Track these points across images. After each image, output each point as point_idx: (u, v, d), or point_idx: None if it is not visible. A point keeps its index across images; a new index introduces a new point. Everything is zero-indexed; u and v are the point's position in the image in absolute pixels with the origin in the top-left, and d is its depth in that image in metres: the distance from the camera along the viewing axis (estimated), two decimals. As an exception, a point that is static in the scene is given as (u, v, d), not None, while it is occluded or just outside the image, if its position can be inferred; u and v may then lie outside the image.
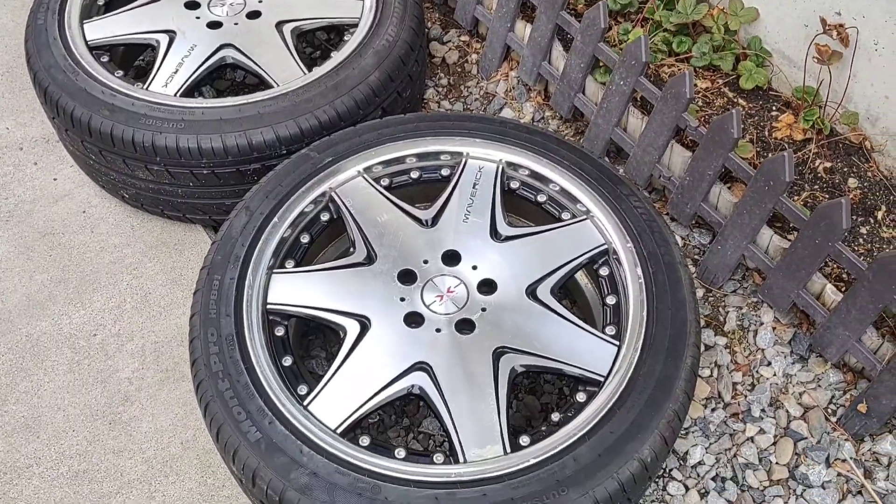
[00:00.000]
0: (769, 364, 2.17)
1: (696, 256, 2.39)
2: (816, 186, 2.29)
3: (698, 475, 2.02)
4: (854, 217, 2.23)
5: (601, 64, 2.49)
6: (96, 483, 2.01)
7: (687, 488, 2.00)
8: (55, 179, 2.59)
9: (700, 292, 2.32)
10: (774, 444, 2.05)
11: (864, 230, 2.22)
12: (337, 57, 2.35)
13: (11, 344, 2.25)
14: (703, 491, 2.00)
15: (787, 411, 2.09)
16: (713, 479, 2.01)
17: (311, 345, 2.28)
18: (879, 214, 2.24)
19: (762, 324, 2.23)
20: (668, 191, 2.40)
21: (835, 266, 2.17)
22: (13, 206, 2.53)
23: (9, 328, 2.27)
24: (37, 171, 2.62)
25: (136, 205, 2.43)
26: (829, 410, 2.09)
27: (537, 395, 2.19)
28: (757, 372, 2.17)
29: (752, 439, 2.06)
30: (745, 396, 2.13)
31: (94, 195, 2.54)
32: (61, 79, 2.26)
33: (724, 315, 2.27)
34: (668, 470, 2.04)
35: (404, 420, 2.15)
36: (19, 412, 2.13)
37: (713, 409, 2.12)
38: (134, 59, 2.72)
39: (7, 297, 2.34)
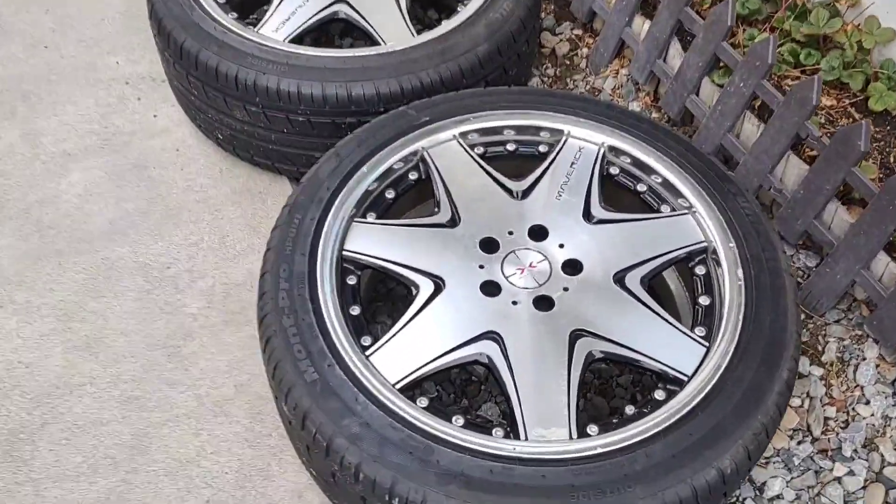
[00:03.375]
0: (868, 403, 1.97)
1: (799, 279, 2.21)
2: (944, 221, 2.09)
3: (775, 508, 1.85)
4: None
5: (721, 65, 2.36)
6: (146, 411, 1.97)
7: (760, 520, 1.83)
8: (155, 116, 2.62)
9: (798, 317, 2.14)
10: (864, 488, 1.86)
11: None
12: (448, 24, 2.29)
13: (88, 264, 2.25)
14: (778, 526, 1.82)
15: (882, 456, 1.89)
16: (791, 514, 1.83)
17: (378, 311, 2.20)
18: None
19: (865, 359, 2.03)
20: (777, 205, 2.24)
21: (957, 306, 1.97)
22: (111, 136, 2.56)
23: (88, 248, 2.28)
24: (139, 106, 2.65)
25: (228, 148, 2.43)
26: (932, 462, 1.88)
27: (607, 398, 2.06)
28: (853, 409, 1.97)
29: (839, 480, 1.87)
30: (837, 433, 1.94)
31: (189, 135, 2.55)
32: (177, 12, 2.28)
33: (822, 345, 2.09)
34: (741, 499, 1.87)
35: (463, 401, 2.05)
36: (83, 331, 2.12)
37: (799, 442, 1.94)
38: (251, 11, 2.71)
39: (92, 219, 2.35)
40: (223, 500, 1.83)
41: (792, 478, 1.89)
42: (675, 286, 2.03)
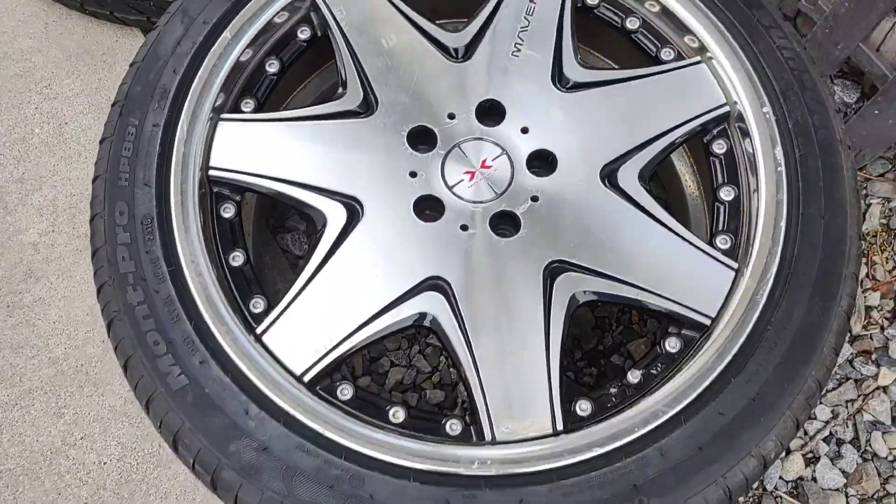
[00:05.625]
0: (921, 284, 1.56)
1: (832, 120, 1.69)
2: None
3: (806, 433, 1.48)
4: None
5: None
6: (-13, 389, 1.48)
7: (788, 451, 1.47)
8: (-62, -52, 1.85)
9: (831, 172, 1.65)
10: (917, 398, 1.49)
11: None
12: None
13: None
14: (810, 456, 1.46)
15: (940, 354, 1.51)
16: (825, 440, 1.47)
17: (286, 211, 1.66)
18: None
19: (917, 226, 1.59)
20: (807, 21, 1.66)
21: None
22: None
23: None
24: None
25: (45, -7, 1.72)
26: None
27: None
28: (902, 294, 1.56)
29: (885, 389, 1.50)
30: (883, 328, 1.54)
31: (-10, -25, 1.82)
32: None
33: (863, 208, 1.62)
34: (761, 418, 1.49)
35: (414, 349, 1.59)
36: None
37: (834, 342, 1.53)
38: None
39: None
40: (105, 500, 1.41)
41: (826, 391, 1.51)
42: (682, 167, 1.50)
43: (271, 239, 1.64)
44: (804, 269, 1.17)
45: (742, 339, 1.13)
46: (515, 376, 1.14)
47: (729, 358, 1.12)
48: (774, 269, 1.17)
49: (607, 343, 1.58)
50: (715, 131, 1.31)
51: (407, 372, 1.56)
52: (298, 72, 1.43)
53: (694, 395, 1.10)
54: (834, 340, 1.14)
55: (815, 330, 1.14)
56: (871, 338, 1.53)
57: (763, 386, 1.10)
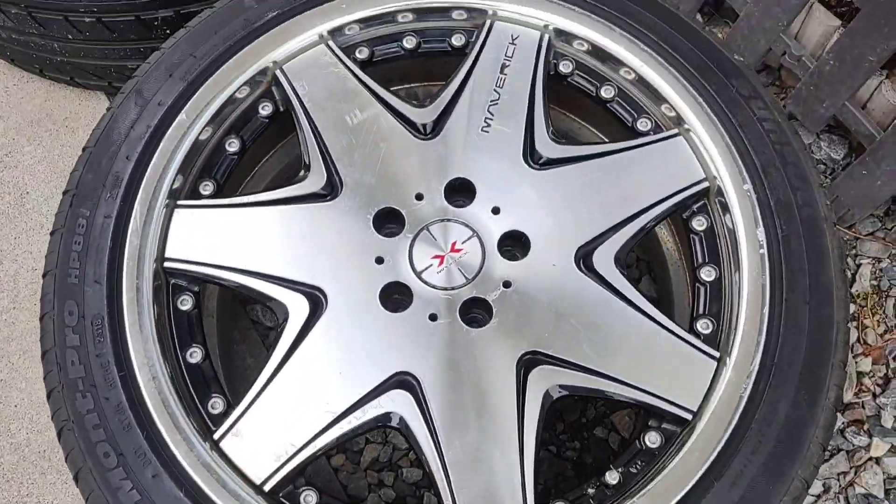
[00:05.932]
0: (914, 349, 1.50)
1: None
2: None
3: (797, 510, 1.42)
4: None
5: None
6: (-56, 479, 1.42)
7: (779, 528, 1.41)
8: None
9: (819, 230, 1.60)
10: (911, 470, 1.44)
11: None
12: None
13: None
14: (802, 535, 1.40)
15: (934, 423, 1.46)
16: (818, 516, 1.42)
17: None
18: None
19: (909, 287, 1.53)
20: (791, 77, 1.61)
21: None
22: None
23: None
24: None
25: (4, 58, 1.67)
26: None
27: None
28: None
29: (878, 461, 1.44)
30: (875, 395, 1.48)
31: (-52, 38, 1.76)
32: None
33: (852, 269, 1.57)
34: (750, 492, 1.44)
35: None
36: None
37: (825, 411, 1.48)
38: None
39: None
40: None
41: (817, 464, 1.45)
42: (664, 234, 1.45)
43: (241, 311, 1.58)
44: (789, 359, 1.11)
45: (725, 437, 1.07)
46: (487, 480, 1.08)
47: (712, 458, 1.06)
48: (758, 361, 1.11)
49: (590, 415, 1.52)
50: (694, 207, 1.26)
51: (383, 449, 1.50)
52: (260, 146, 1.38)
53: (676, 500, 1.04)
54: (821, 436, 1.09)
55: (801, 426, 1.08)
56: (862, 406, 1.48)
57: (747, 489, 1.05)
